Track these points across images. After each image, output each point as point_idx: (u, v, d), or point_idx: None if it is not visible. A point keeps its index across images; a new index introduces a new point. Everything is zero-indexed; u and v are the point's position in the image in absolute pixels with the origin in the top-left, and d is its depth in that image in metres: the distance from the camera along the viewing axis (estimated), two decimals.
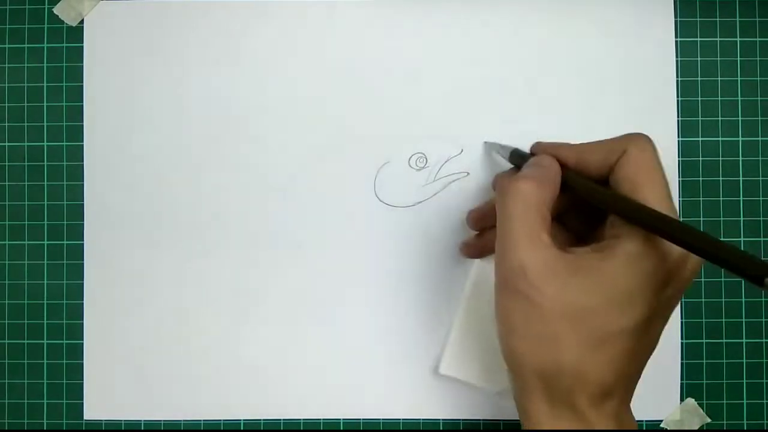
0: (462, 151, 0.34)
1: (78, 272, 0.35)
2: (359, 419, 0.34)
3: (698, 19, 0.35)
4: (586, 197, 0.26)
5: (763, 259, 0.19)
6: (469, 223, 0.33)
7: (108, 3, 0.35)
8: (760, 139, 0.35)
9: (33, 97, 0.35)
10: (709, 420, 0.34)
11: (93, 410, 0.35)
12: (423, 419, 0.34)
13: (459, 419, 0.34)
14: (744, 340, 0.34)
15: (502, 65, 0.35)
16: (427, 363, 0.34)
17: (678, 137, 0.34)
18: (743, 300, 0.34)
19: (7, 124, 0.35)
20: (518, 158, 0.30)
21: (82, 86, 0.35)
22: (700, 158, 0.35)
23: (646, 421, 0.34)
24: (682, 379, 0.34)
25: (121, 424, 0.35)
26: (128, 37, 0.35)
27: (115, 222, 0.35)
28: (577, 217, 0.28)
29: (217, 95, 0.35)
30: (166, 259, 0.34)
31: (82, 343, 0.35)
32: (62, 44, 0.35)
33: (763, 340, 0.34)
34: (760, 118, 0.35)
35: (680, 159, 0.34)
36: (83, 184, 0.35)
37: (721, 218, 0.34)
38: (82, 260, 0.35)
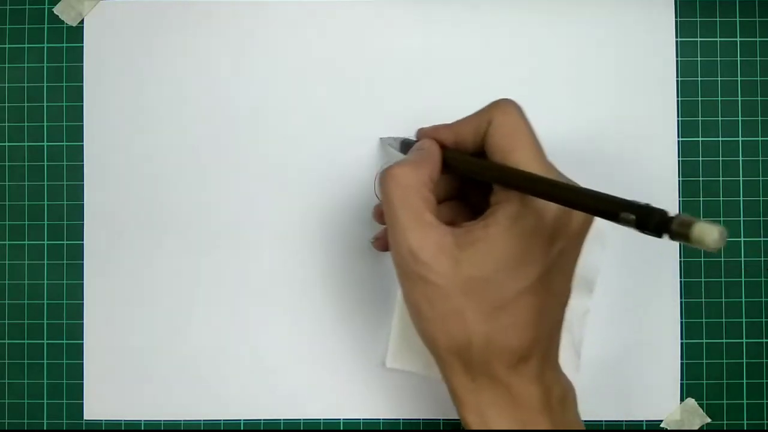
0: None
1: (78, 272, 0.35)
2: (359, 419, 0.34)
3: (698, 19, 0.35)
4: (465, 172, 0.27)
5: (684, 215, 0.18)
6: (375, 217, 0.32)
7: (108, 3, 0.35)
8: (760, 139, 0.35)
9: (33, 97, 0.35)
10: (709, 420, 0.34)
11: (93, 410, 0.35)
12: (423, 419, 0.34)
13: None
14: (744, 340, 0.34)
15: (502, 65, 0.35)
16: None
17: (678, 137, 0.34)
18: (743, 300, 0.34)
19: (7, 124, 0.35)
20: (406, 147, 0.30)
21: (82, 86, 0.35)
22: (700, 158, 0.35)
23: (646, 421, 0.34)
24: (682, 379, 0.34)
25: (121, 424, 0.35)
26: (128, 37, 0.35)
27: (115, 222, 0.35)
28: (477, 194, 0.28)
29: (217, 95, 0.35)
30: (166, 258, 0.35)
31: (82, 343, 0.35)
32: (62, 44, 0.35)
33: (764, 340, 0.34)
34: (760, 118, 0.35)
35: (680, 159, 0.34)
36: (83, 184, 0.35)
37: (721, 218, 0.34)
38: (82, 260, 0.35)
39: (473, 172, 0.26)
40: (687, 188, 0.34)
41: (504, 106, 0.26)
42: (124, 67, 0.35)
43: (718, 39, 0.35)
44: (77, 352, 0.35)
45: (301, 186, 0.34)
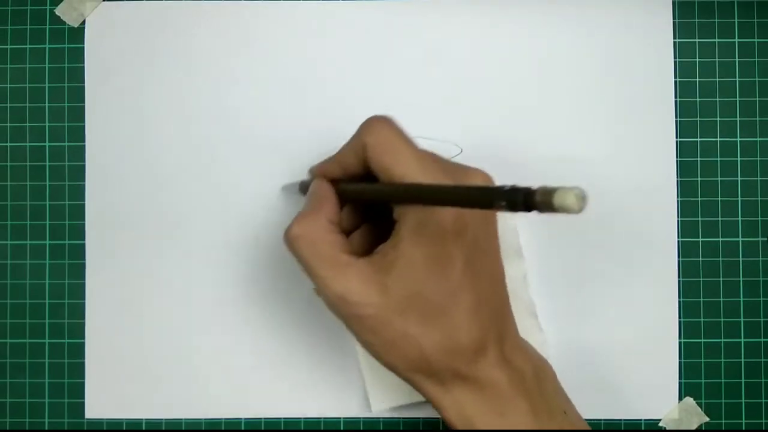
0: (461, 151, 0.34)
1: (80, 272, 0.35)
2: (359, 419, 0.35)
3: (696, 20, 0.35)
4: (360, 200, 0.28)
5: None
6: None
7: (109, 4, 0.35)
8: (758, 139, 0.35)
9: (35, 98, 0.35)
10: (707, 419, 0.34)
11: (94, 409, 0.35)
12: (423, 419, 0.34)
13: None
14: (742, 340, 0.34)
15: (501, 66, 0.35)
16: None
17: (676, 138, 0.35)
18: (741, 299, 0.34)
19: (9, 124, 0.35)
20: (305, 188, 0.30)
21: (83, 87, 0.35)
22: (698, 159, 0.35)
23: (645, 420, 0.34)
24: (680, 378, 0.34)
25: (122, 423, 0.35)
26: (129, 38, 0.35)
27: (117, 222, 0.35)
28: (384, 212, 0.28)
29: (218, 96, 0.35)
30: (168, 258, 0.35)
31: (84, 343, 0.35)
32: (64, 45, 0.35)
33: (762, 340, 0.34)
34: (758, 119, 0.35)
35: (678, 159, 0.35)
36: (85, 185, 0.35)
37: (720, 218, 0.35)
38: (84, 260, 0.35)
39: (365, 198, 0.27)
40: (685, 188, 0.35)
41: (373, 125, 0.26)
42: (126, 67, 0.35)
43: (717, 40, 0.35)
44: (79, 351, 0.35)
45: None
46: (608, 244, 0.34)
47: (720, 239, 0.34)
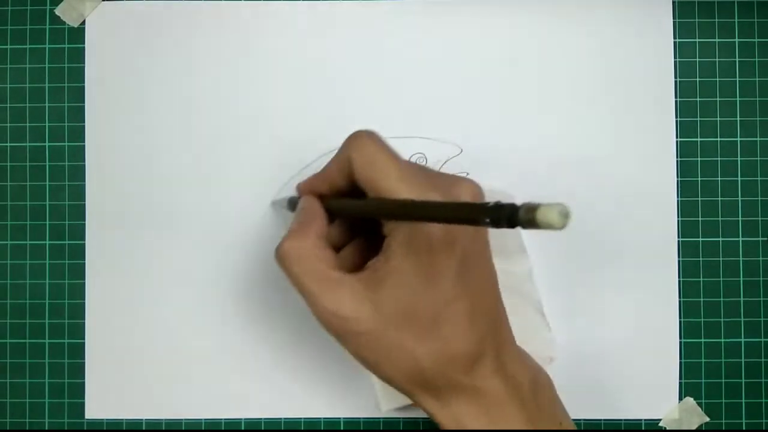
0: (462, 151, 0.34)
1: (80, 272, 0.35)
2: (359, 419, 0.35)
3: (697, 20, 0.35)
4: (348, 215, 0.28)
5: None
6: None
7: (109, 4, 0.35)
8: (758, 139, 0.35)
9: (35, 98, 0.35)
10: (707, 419, 0.34)
11: (94, 409, 0.35)
12: (423, 419, 0.34)
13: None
14: (743, 340, 0.34)
15: (502, 66, 0.35)
16: None
17: (676, 138, 0.35)
18: (741, 299, 0.34)
19: (9, 124, 0.35)
20: (294, 205, 0.30)
21: (83, 87, 0.35)
22: (699, 159, 0.35)
23: (645, 420, 0.34)
24: (680, 378, 0.34)
25: (122, 423, 0.35)
26: (129, 38, 0.35)
27: (117, 222, 0.35)
28: (373, 226, 0.29)
29: (218, 95, 0.35)
30: (168, 258, 0.35)
31: (84, 343, 0.35)
32: (64, 45, 0.35)
33: (762, 340, 0.34)
34: (758, 119, 0.35)
35: (679, 159, 0.35)
36: (85, 185, 0.35)
37: (720, 218, 0.35)
38: (84, 260, 0.35)
39: (353, 214, 0.27)
40: (686, 188, 0.35)
41: (357, 141, 0.26)
42: (126, 67, 0.35)
43: (717, 40, 0.35)
44: (79, 351, 0.35)
45: None
46: (608, 244, 0.34)
47: (720, 239, 0.34)
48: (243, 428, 0.35)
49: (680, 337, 0.34)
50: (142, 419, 0.35)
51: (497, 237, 0.28)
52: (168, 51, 0.35)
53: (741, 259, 0.34)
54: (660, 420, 0.34)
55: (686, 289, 0.34)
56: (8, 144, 0.35)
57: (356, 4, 0.35)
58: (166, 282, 0.35)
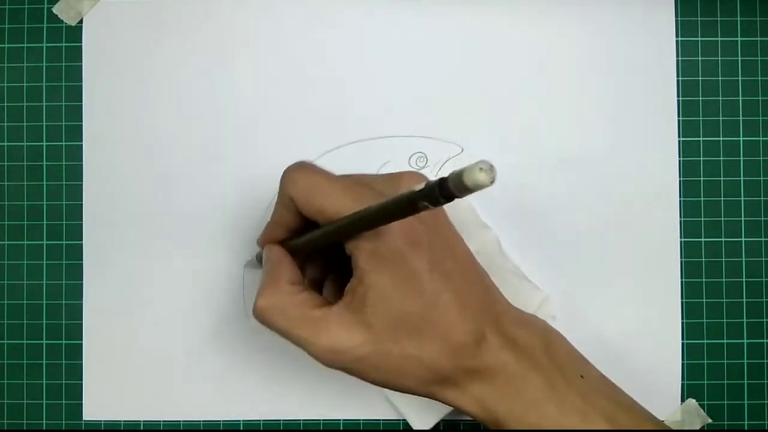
0: (462, 151, 0.34)
1: (77, 272, 0.35)
2: (359, 419, 0.34)
3: (699, 19, 0.35)
4: (312, 251, 0.28)
5: None
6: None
7: (107, 2, 0.35)
8: (761, 138, 0.35)
9: (32, 97, 0.35)
10: (710, 420, 0.34)
11: (92, 410, 0.34)
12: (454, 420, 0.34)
13: (460, 419, 0.34)
14: (745, 341, 0.34)
15: (502, 65, 0.35)
16: None
17: (679, 137, 0.34)
18: (744, 300, 0.34)
19: (6, 123, 0.35)
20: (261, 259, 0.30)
21: (81, 86, 0.35)
22: (701, 158, 0.34)
23: None
24: (683, 379, 0.34)
25: (120, 424, 0.34)
26: (127, 37, 0.35)
27: (114, 222, 0.35)
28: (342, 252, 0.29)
29: (216, 94, 0.35)
30: (166, 258, 0.34)
31: (81, 344, 0.35)
32: (61, 44, 0.35)
33: (764, 341, 0.34)
34: (761, 118, 0.35)
35: (681, 159, 0.34)
36: (82, 184, 0.35)
37: (722, 218, 0.34)
38: (81, 260, 0.35)
39: (315, 246, 0.27)
40: (688, 188, 0.34)
41: (290, 177, 0.26)
42: (124, 66, 0.35)
43: (719, 39, 0.35)
44: (76, 352, 0.35)
45: None
46: (610, 244, 0.34)
47: (723, 239, 0.34)
48: (242, 429, 0.34)
49: (682, 338, 0.34)
50: (140, 420, 0.34)
51: (455, 219, 0.28)
52: (166, 50, 0.35)
53: (744, 259, 0.34)
54: (662, 421, 0.34)
55: (689, 290, 0.34)
56: (5, 143, 0.35)
57: (357, 3, 0.35)
58: (164, 282, 0.34)
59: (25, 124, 0.35)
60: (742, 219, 0.34)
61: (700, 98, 0.35)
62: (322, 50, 0.35)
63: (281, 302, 0.26)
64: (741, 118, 0.35)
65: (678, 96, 0.34)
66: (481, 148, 0.34)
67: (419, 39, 0.35)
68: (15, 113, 0.35)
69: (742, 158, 0.34)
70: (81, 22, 0.35)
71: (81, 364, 0.35)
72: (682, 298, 0.34)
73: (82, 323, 0.35)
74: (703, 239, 0.34)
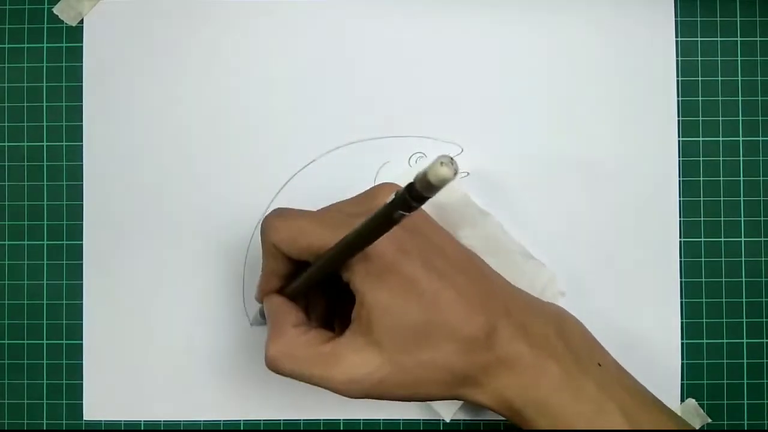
0: (462, 151, 0.34)
1: (77, 272, 0.35)
2: (359, 419, 0.34)
3: (699, 19, 0.35)
4: (310, 289, 0.28)
5: None
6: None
7: (108, 3, 0.35)
8: (760, 138, 0.35)
9: (32, 97, 0.35)
10: (709, 420, 0.34)
11: (92, 410, 0.35)
12: (423, 419, 0.34)
13: (460, 420, 0.34)
14: (745, 341, 0.34)
15: (502, 65, 0.35)
16: None
17: (678, 137, 0.34)
18: (744, 300, 0.34)
19: (6, 124, 0.35)
20: (263, 313, 0.30)
21: (81, 86, 0.35)
22: (701, 158, 0.34)
23: None
24: (682, 379, 0.34)
25: (120, 424, 0.35)
26: (128, 37, 0.35)
27: (115, 222, 0.35)
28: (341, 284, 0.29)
29: (216, 95, 0.35)
30: (166, 258, 0.34)
31: (82, 344, 0.35)
32: (62, 44, 0.35)
33: (764, 340, 0.34)
34: (760, 118, 0.35)
35: (681, 159, 0.34)
36: (82, 185, 0.35)
37: (722, 218, 0.34)
38: (82, 260, 0.35)
39: (312, 285, 0.27)
40: (687, 188, 0.34)
41: (268, 225, 0.27)
42: (124, 67, 0.35)
43: (719, 39, 0.35)
44: (77, 352, 0.35)
45: (300, 187, 0.34)
46: (610, 244, 0.34)
47: (722, 239, 0.34)
48: (242, 429, 0.34)
49: (682, 338, 0.34)
50: (140, 420, 0.34)
51: (453, 211, 0.28)
52: (166, 50, 0.35)
53: (743, 259, 0.34)
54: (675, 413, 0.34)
55: (688, 290, 0.34)
56: (6, 144, 0.35)
57: (357, 3, 0.35)
58: (164, 282, 0.34)
59: (25, 124, 0.35)
60: (742, 219, 0.34)
61: (700, 98, 0.35)
62: (322, 51, 0.35)
63: (288, 346, 0.26)
64: (740, 118, 0.35)
65: (678, 96, 0.34)
66: (481, 148, 0.34)
67: (419, 39, 0.35)
68: (15, 113, 0.35)
69: (741, 158, 0.35)
70: (81, 22, 0.35)
71: (81, 364, 0.35)
72: (681, 297, 0.34)
73: (82, 323, 0.35)
74: (702, 239, 0.34)
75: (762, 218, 0.34)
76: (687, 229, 0.34)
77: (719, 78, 0.35)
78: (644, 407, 0.26)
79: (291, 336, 0.26)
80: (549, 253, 0.34)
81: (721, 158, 0.35)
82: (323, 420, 0.34)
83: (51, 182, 0.35)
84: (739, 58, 0.35)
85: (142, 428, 0.35)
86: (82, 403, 0.34)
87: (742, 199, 0.34)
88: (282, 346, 0.26)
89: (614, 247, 0.34)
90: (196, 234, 0.34)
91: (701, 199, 0.34)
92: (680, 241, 0.34)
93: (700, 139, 0.34)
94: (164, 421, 0.34)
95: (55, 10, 0.35)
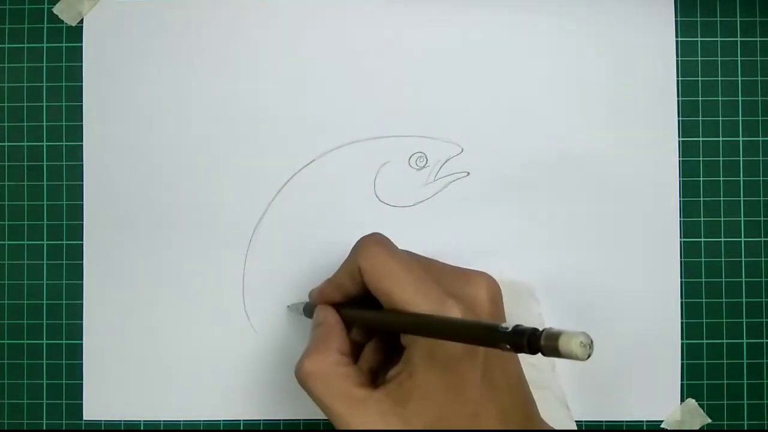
0: (462, 150, 0.34)
1: (77, 272, 0.35)
2: None
3: (699, 19, 0.35)
4: (363, 326, 0.27)
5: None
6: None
7: (108, 2, 0.35)
8: (760, 139, 0.35)
9: (32, 97, 0.35)
10: (709, 420, 0.34)
11: (92, 410, 0.34)
12: None
13: None
14: (744, 341, 0.34)
15: (502, 65, 0.35)
16: None
17: (678, 137, 0.34)
18: (744, 300, 0.34)
19: (6, 124, 0.35)
20: (310, 311, 0.30)
21: (81, 86, 0.35)
22: (701, 158, 0.34)
23: (647, 421, 0.34)
24: (682, 379, 0.34)
25: (120, 424, 0.34)
26: (128, 37, 0.35)
27: (115, 222, 0.35)
28: None
29: (216, 95, 0.35)
30: (166, 258, 0.34)
31: (82, 344, 0.35)
32: (61, 44, 0.35)
33: (764, 341, 0.34)
34: (760, 118, 0.35)
35: (681, 159, 0.34)
36: (83, 184, 0.35)
37: (722, 218, 0.34)
38: (82, 260, 0.35)
39: (371, 326, 0.27)
40: (687, 188, 0.34)
41: (366, 248, 0.26)
42: (124, 66, 0.35)
43: (719, 39, 0.35)
44: (77, 352, 0.35)
45: (300, 187, 0.34)
46: (610, 244, 0.34)
47: (722, 239, 0.34)
48: (242, 429, 0.34)
49: (682, 338, 0.34)
50: (140, 420, 0.34)
51: (510, 290, 0.27)
52: (166, 50, 0.35)
53: (743, 259, 0.34)
54: (662, 421, 0.34)
55: (688, 290, 0.34)
56: (6, 143, 0.35)
57: (357, 3, 0.35)
58: (164, 282, 0.34)
59: (25, 124, 0.35)
60: (742, 219, 0.34)
61: (700, 98, 0.35)
62: (322, 51, 0.35)
63: (328, 371, 0.25)
64: (740, 118, 0.35)
65: (678, 96, 0.34)
66: (480, 148, 0.34)
67: (419, 39, 0.35)
68: (15, 113, 0.35)
69: (741, 158, 0.35)
70: (81, 22, 0.35)
71: (81, 364, 0.34)
72: (681, 298, 0.34)
73: (82, 323, 0.35)
74: (702, 239, 0.34)
75: (762, 218, 0.34)
76: (687, 229, 0.34)
77: (719, 78, 0.35)
78: None
79: (333, 361, 0.25)
80: (549, 253, 0.34)
81: (721, 158, 0.35)
82: (323, 420, 0.34)
83: (51, 182, 0.35)
84: (739, 58, 0.35)
85: (142, 428, 0.35)
86: (82, 403, 0.34)
87: (742, 199, 0.34)
88: (322, 367, 0.25)
89: (614, 247, 0.34)
90: (196, 234, 0.34)
91: (701, 199, 0.34)
92: (680, 241, 0.34)
93: (700, 139, 0.34)
94: (164, 421, 0.34)
95: (55, 10, 0.35)
